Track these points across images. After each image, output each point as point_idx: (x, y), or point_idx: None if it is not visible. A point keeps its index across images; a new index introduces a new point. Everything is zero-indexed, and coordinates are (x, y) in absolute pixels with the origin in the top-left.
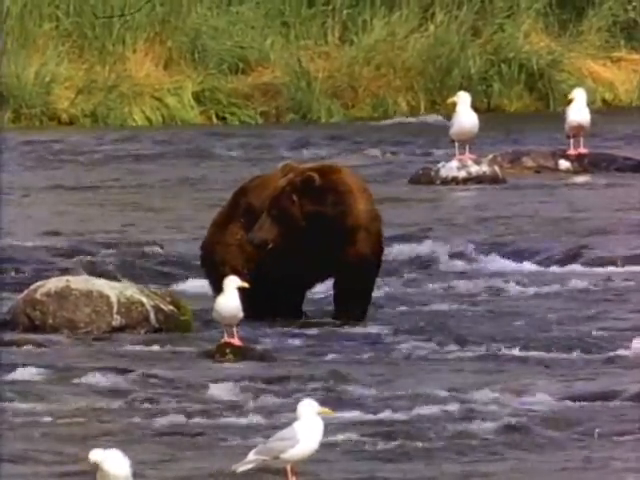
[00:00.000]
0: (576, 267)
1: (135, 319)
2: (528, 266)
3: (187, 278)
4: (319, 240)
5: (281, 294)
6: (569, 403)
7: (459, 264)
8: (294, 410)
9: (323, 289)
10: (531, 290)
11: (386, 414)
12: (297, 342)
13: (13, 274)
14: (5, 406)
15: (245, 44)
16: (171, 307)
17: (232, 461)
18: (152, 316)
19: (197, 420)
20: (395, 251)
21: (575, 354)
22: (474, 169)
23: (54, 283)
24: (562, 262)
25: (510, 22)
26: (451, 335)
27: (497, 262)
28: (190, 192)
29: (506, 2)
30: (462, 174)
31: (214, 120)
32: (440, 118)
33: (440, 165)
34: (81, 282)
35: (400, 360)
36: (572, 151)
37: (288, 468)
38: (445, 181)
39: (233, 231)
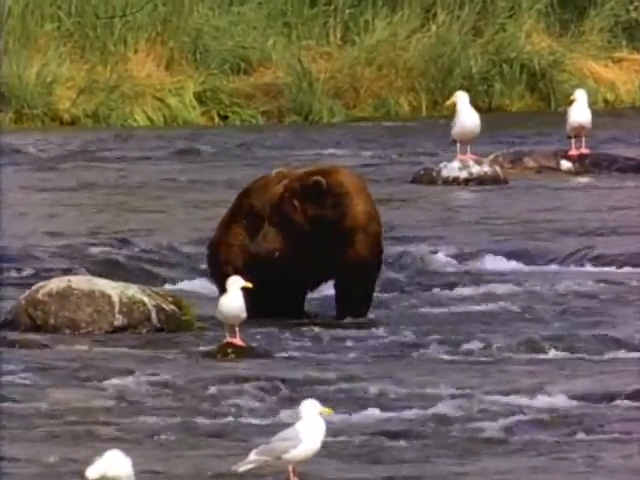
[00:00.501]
0: (577, 267)
1: (137, 319)
2: (529, 266)
3: (189, 278)
4: (320, 242)
5: (283, 295)
6: (570, 403)
7: (460, 264)
8: (296, 410)
9: (324, 289)
10: (532, 290)
11: (388, 414)
12: (299, 342)
13: (15, 274)
14: (6, 406)
15: (247, 44)
16: (173, 307)
17: (233, 461)
18: (154, 316)
19: (198, 420)
20: (396, 251)
21: (576, 354)
22: (475, 169)
23: (56, 283)
24: (563, 262)
25: (512, 22)
26: (452, 335)
27: (498, 262)
28: (192, 192)
29: (508, 2)
30: (463, 174)
31: (216, 120)
32: (442, 118)
33: (442, 165)
34: (83, 282)
35: (401, 360)
36: (573, 151)
37: (290, 468)
38: (446, 181)
39: (236, 232)
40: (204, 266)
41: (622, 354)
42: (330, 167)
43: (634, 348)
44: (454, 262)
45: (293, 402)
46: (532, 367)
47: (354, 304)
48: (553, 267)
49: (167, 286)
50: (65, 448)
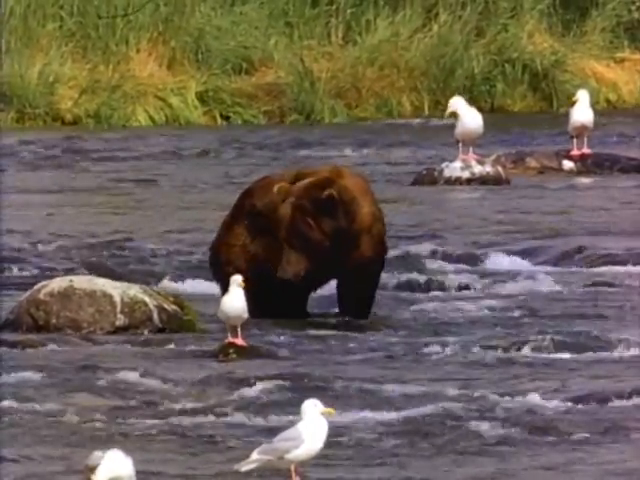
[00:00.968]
0: (579, 267)
1: (138, 319)
2: (531, 266)
3: (190, 278)
4: (331, 248)
5: (286, 295)
6: (570, 402)
7: (462, 264)
8: (298, 410)
9: (326, 289)
10: (534, 290)
11: (390, 413)
12: (300, 342)
13: (16, 274)
14: (7, 406)
15: (249, 44)
16: (174, 307)
17: (235, 461)
18: (155, 316)
19: (200, 420)
20: (398, 251)
21: (576, 354)
22: (477, 169)
23: (57, 283)
24: (565, 262)
25: (514, 22)
26: (453, 335)
27: (500, 262)
28: (194, 192)
29: (510, 2)
30: (466, 174)
31: (218, 120)
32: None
33: (444, 165)
34: (84, 282)
35: (403, 360)
36: (575, 151)
37: (292, 468)
38: (449, 181)
39: (237, 232)
40: (206, 266)
41: (623, 354)
42: (331, 170)
43: (635, 348)
44: (456, 262)
45: (295, 402)
46: (533, 367)
47: (357, 304)
48: (555, 267)
49: (169, 286)
50: (66, 448)
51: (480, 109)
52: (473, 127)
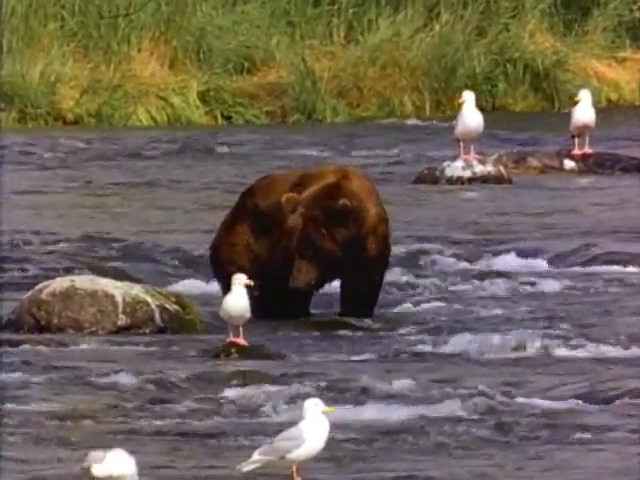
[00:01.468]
0: (580, 267)
1: (140, 319)
2: (532, 266)
3: (192, 278)
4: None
5: (289, 295)
6: (570, 402)
7: (464, 263)
8: (299, 409)
9: (328, 289)
10: (535, 289)
11: (391, 413)
12: (302, 341)
13: (18, 274)
14: (8, 406)
15: (250, 43)
16: (176, 307)
17: (237, 460)
18: (157, 316)
19: (202, 419)
20: (400, 251)
21: (576, 353)
22: (479, 169)
23: (59, 283)
24: (566, 262)
25: (515, 22)
26: (455, 335)
27: (501, 261)
28: (195, 192)
29: (511, 2)
30: (467, 174)
31: (219, 120)
32: (445, 118)
33: (445, 165)
34: (86, 282)
35: (404, 359)
36: (577, 151)
37: (294, 468)
38: (450, 181)
39: (240, 231)
40: (207, 265)
41: (624, 353)
42: (337, 172)
43: (635, 347)
44: (457, 261)
45: (296, 401)
46: (533, 366)
47: (360, 303)
48: (556, 266)
49: (170, 286)
50: (67, 448)
51: (482, 109)
52: (473, 126)
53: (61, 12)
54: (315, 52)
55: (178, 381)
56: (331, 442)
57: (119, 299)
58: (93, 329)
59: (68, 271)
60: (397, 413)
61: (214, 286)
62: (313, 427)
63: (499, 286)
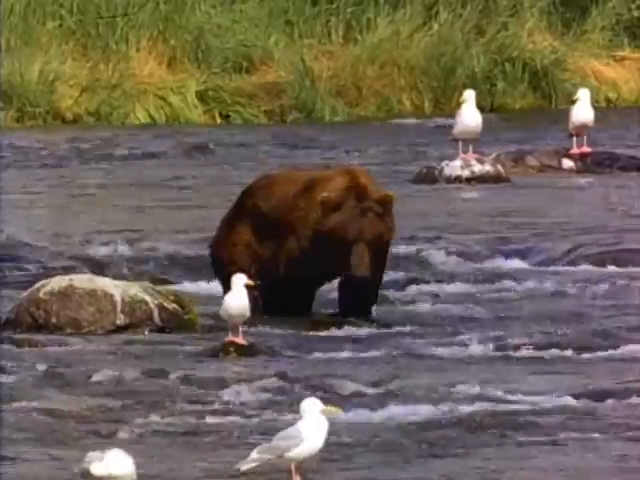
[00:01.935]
0: (578, 266)
1: (139, 318)
2: (531, 265)
3: (191, 276)
4: None
5: (292, 295)
6: (570, 402)
7: (462, 263)
8: (298, 409)
9: (327, 288)
10: (534, 289)
11: (390, 412)
12: (301, 341)
13: (16, 273)
14: (7, 405)
15: (249, 43)
16: (175, 306)
17: (235, 460)
18: (156, 315)
19: (201, 418)
20: (398, 250)
21: (576, 353)
22: (478, 168)
23: (57, 282)
24: (565, 261)
25: (514, 21)
26: (454, 334)
27: (500, 261)
28: (194, 191)
29: (510, 1)
30: (466, 173)
31: (218, 119)
32: (444, 117)
33: (444, 164)
34: (85, 281)
35: (403, 359)
36: (575, 150)
37: (292, 467)
38: (449, 180)
39: (240, 231)
40: (206, 265)
41: (623, 352)
42: (346, 173)
43: (634, 346)
44: (456, 261)
45: (295, 401)
46: (532, 365)
47: (359, 303)
48: (555, 266)
49: (169, 285)
50: (66, 447)
51: (480, 108)
52: (472, 125)
53: (60, 11)
54: (314, 51)
55: (177, 380)
56: (329, 442)
57: (118, 298)
58: (92, 328)
59: (66, 270)
60: (396, 413)
61: (213, 285)
62: (312, 426)
63: (498, 286)
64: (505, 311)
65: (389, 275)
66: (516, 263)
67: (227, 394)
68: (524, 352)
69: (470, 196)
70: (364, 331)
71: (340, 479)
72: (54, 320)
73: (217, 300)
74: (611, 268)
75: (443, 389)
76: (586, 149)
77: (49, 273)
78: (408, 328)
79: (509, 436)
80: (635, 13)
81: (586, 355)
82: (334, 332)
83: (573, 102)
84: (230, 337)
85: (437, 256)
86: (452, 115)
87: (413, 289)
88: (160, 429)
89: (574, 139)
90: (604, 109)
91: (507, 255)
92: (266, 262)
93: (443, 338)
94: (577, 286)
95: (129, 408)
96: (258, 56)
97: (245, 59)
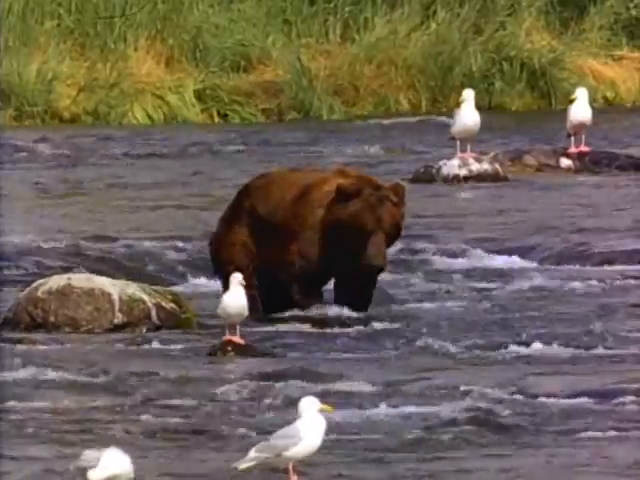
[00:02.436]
0: (577, 266)
1: (137, 317)
2: (529, 264)
3: (188, 276)
4: None
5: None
6: (569, 401)
7: (460, 262)
8: (296, 408)
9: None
10: (532, 288)
11: (388, 411)
12: (299, 340)
13: (14, 272)
14: (6, 405)
15: (246, 42)
16: (172, 305)
17: (233, 458)
18: (154, 314)
19: (199, 418)
20: (397, 249)
21: (576, 352)
22: (475, 167)
23: (56, 281)
24: (563, 260)
25: (512, 20)
26: (452, 333)
27: (498, 260)
28: (192, 190)
29: (508, 0)
30: (464, 172)
31: (215, 118)
32: (441, 116)
33: (442, 163)
34: (83, 280)
35: (401, 358)
36: (573, 149)
37: (290, 466)
38: (447, 179)
39: (237, 231)
40: (204, 264)
41: (622, 352)
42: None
43: (634, 346)
44: (454, 260)
45: (293, 399)
46: (531, 365)
47: (356, 301)
48: (553, 265)
49: (167, 284)
50: (65, 446)
51: (478, 107)
52: (470, 124)
53: (58, 10)
54: (311, 50)
55: (174, 379)
56: (327, 441)
57: (115, 297)
58: (89, 327)
59: (64, 269)
60: (395, 413)
61: (210, 284)
62: (310, 425)
63: (495, 284)
64: (503, 310)
65: (386, 273)
66: (514, 262)
67: (224, 393)
68: (523, 351)
69: (468, 195)
70: (362, 330)
71: (340, 478)
72: (52, 319)
73: (214, 299)
74: (609, 267)
75: (442, 388)
76: (584, 148)
77: (47, 272)
78: (406, 328)
79: (509, 436)
80: (633, 12)
81: (586, 355)
82: (332, 331)
83: (571, 101)
84: (227, 336)
85: (435, 255)
86: (450, 114)
87: (411, 288)
88: (157, 428)
89: (572, 138)
90: (602, 108)
91: (505, 254)
92: (264, 262)
93: (442, 337)
94: (576, 285)
95: (126, 407)
96: (256, 55)
97: (243, 58)
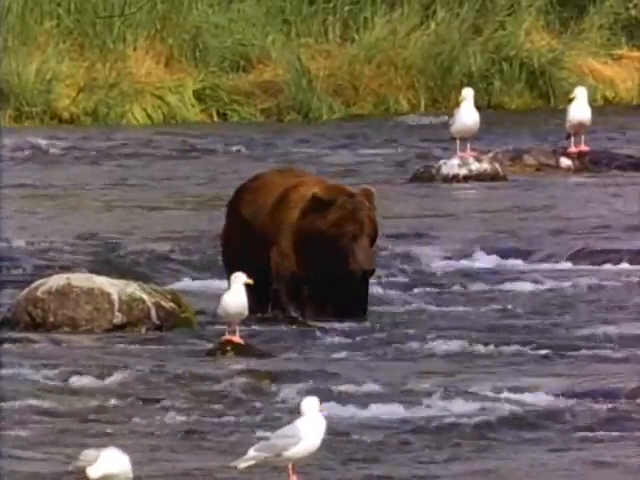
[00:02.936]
0: (576, 265)
1: (136, 316)
2: (529, 264)
3: (188, 276)
4: None
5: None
6: (568, 401)
7: (459, 261)
8: (295, 408)
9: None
10: (531, 288)
11: (387, 412)
12: (298, 340)
13: (14, 272)
14: (5, 404)
15: (246, 41)
16: (172, 304)
17: (232, 458)
18: (153, 313)
19: (198, 417)
20: (395, 249)
21: (575, 352)
22: (475, 167)
23: (55, 281)
24: (562, 260)
25: (511, 20)
26: (451, 334)
27: (497, 260)
28: (191, 190)
29: (507, 0)
30: (463, 172)
31: (215, 118)
32: (441, 116)
33: (441, 163)
34: (82, 280)
35: (400, 358)
36: (573, 149)
37: (289, 466)
38: (446, 179)
39: (234, 232)
40: (202, 263)
41: (621, 352)
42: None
43: (633, 346)
44: (453, 259)
45: (292, 399)
46: (530, 365)
47: (354, 302)
48: (552, 265)
49: (166, 283)
50: (63, 446)
51: (478, 107)
52: (469, 124)
53: (57, 10)
54: (311, 50)
55: (174, 378)
56: (327, 441)
57: (115, 297)
58: (89, 327)
59: (64, 269)
60: (393, 412)
61: (210, 283)
62: (310, 425)
63: (494, 284)
64: (502, 310)
65: (384, 274)
66: (514, 262)
67: (224, 393)
68: (521, 351)
69: (467, 195)
70: (360, 331)
71: (339, 478)
72: (52, 319)
73: (214, 299)
74: (608, 267)
75: (440, 388)
76: (583, 148)
77: (47, 272)
78: (403, 327)
79: (508, 435)
80: (632, 12)
81: (585, 354)
82: (331, 332)
83: (570, 101)
84: (227, 336)
85: (433, 254)
86: (449, 114)
87: (410, 288)
88: (156, 427)
89: (571, 138)
90: (602, 108)
91: (504, 254)
92: (251, 265)
93: (439, 337)
94: (575, 284)
95: (125, 406)
96: (255, 55)
97: (242, 58)
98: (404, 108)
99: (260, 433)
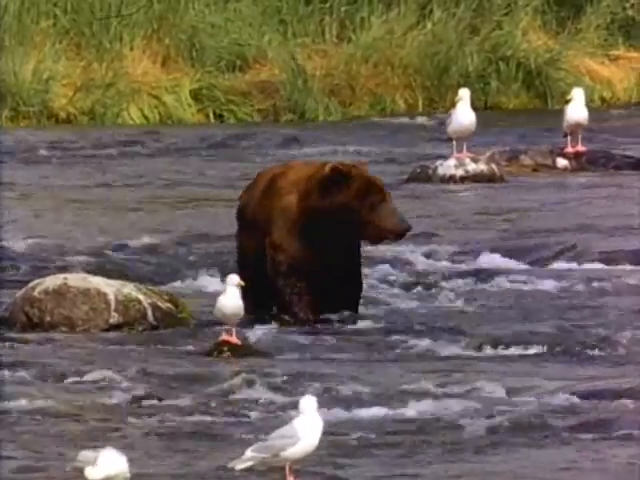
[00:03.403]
0: (573, 265)
1: (133, 317)
2: (526, 264)
3: (185, 276)
4: None
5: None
6: (568, 401)
7: (456, 262)
8: (292, 408)
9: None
10: (528, 289)
11: (384, 412)
12: (295, 340)
13: (11, 272)
14: (3, 404)
15: (242, 41)
16: (169, 305)
17: (230, 459)
18: (150, 314)
19: (195, 418)
20: (393, 249)
21: (575, 352)
22: (472, 167)
23: (52, 281)
24: (560, 260)
25: (508, 20)
26: (449, 333)
27: (494, 260)
28: (188, 190)
29: (504, 0)
30: (460, 172)
31: (211, 118)
32: (437, 116)
33: (438, 163)
34: (79, 280)
35: (398, 358)
36: (570, 149)
37: (287, 466)
38: (443, 179)
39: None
40: (200, 263)
41: (620, 352)
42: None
43: (632, 346)
44: (449, 260)
45: (289, 400)
46: (530, 365)
47: (348, 301)
48: (549, 265)
49: (163, 284)
50: (60, 446)
51: (474, 107)
52: (466, 124)
53: (54, 10)
54: (307, 50)
55: (170, 379)
56: (324, 441)
57: (111, 297)
58: (85, 327)
59: (61, 269)
60: (391, 412)
61: (206, 284)
62: (307, 425)
63: (491, 285)
64: (500, 310)
65: (382, 274)
66: (511, 262)
67: (220, 393)
68: (522, 352)
69: (464, 195)
70: (357, 330)
71: (339, 478)
72: (48, 319)
73: (211, 299)
74: (606, 267)
75: (439, 388)
76: (580, 148)
77: (43, 272)
78: (401, 328)
79: (506, 435)
80: (630, 12)
81: (584, 354)
82: (329, 331)
83: (567, 101)
84: (224, 336)
85: (430, 255)
86: (446, 114)
87: (406, 288)
88: (153, 428)
89: (568, 138)
90: (598, 108)
91: (501, 254)
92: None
93: (437, 338)
94: (573, 285)
95: (122, 406)
96: (252, 55)
97: (239, 58)
98: (401, 108)
99: (257, 434)
